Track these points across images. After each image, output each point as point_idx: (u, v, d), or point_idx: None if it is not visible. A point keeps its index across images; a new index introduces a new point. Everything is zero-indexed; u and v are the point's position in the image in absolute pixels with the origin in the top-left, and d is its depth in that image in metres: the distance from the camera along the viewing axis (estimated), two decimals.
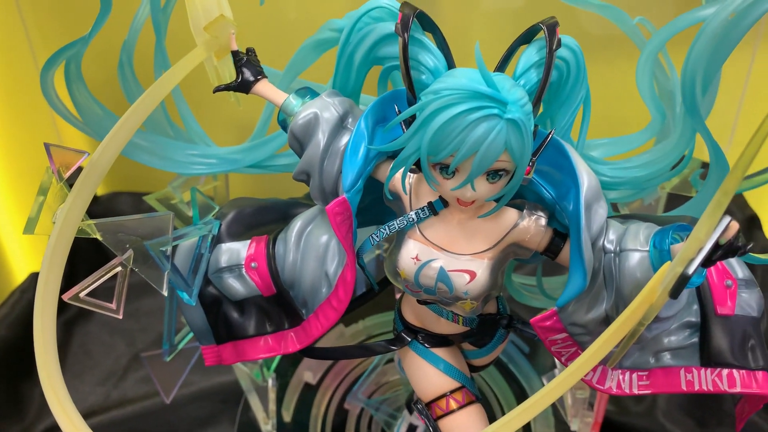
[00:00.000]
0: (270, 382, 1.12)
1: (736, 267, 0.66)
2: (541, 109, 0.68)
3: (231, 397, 1.23)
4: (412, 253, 0.63)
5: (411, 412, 0.78)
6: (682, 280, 0.47)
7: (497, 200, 0.61)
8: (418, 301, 0.70)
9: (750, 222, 1.51)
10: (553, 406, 1.09)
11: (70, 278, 0.79)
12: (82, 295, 0.65)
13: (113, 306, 0.67)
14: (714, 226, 0.47)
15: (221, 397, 1.24)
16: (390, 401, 1.09)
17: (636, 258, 0.57)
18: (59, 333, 1.39)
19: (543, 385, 1.09)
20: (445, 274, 0.62)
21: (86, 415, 1.21)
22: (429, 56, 0.61)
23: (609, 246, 0.59)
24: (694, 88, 0.64)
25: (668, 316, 0.59)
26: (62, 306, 1.40)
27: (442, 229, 0.63)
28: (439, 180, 0.58)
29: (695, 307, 0.65)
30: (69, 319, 1.44)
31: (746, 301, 0.64)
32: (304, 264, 0.70)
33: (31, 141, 1.48)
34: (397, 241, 0.65)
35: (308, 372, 1.14)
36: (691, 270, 0.47)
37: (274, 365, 1.13)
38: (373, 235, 0.65)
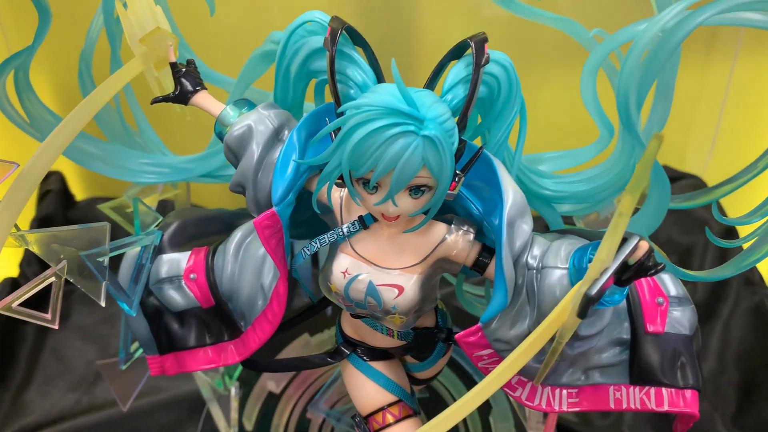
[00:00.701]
0: (233, 390, 1.12)
1: (669, 284, 0.65)
2: (479, 120, 0.67)
3: (200, 405, 1.23)
4: (342, 267, 0.63)
5: None
6: (586, 301, 0.47)
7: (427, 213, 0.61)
8: (352, 315, 0.70)
9: (727, 233, 1.50)
10: (516, 417, 1.09)
11: None
12: (14, 305, 0.65)
13: (48, 317, 0.68)
14: (615, 247, 0.47)
15: (189, 404, 1.24)
16: (352, 411, 1.09)
17: (556, 275, 0.57)
18: (32, 337, 1.40)
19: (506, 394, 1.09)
20: (374, 288, 0.62)
21: (55, 421, 1.23)
22: (357, 71, 0.60)
23: (532, 262, 0.59)
24: (628, 104, 0.63)
25: (590, 334, 0.58)
26: (37, 310, 1.40)
27: (372, 244, 0.63)
28: (363, 195, 0.58)
29: (626, 324, 0.64)
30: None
31: (678, 320, 0.64)
32: (242, 276, 0.70)
33: (13, 147, 1.48)
34: (329, 254, 0.65)
35: (271, 381, 1.13)
36: (593, 291, 0.46)
37: (236, 374, 1.13)
38: (304, 249, 0.65)
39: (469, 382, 1.12)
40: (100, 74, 0.86)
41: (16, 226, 0.64)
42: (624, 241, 0.48)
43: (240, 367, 1.14)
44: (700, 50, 1.56)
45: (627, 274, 0.49)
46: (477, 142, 0.69)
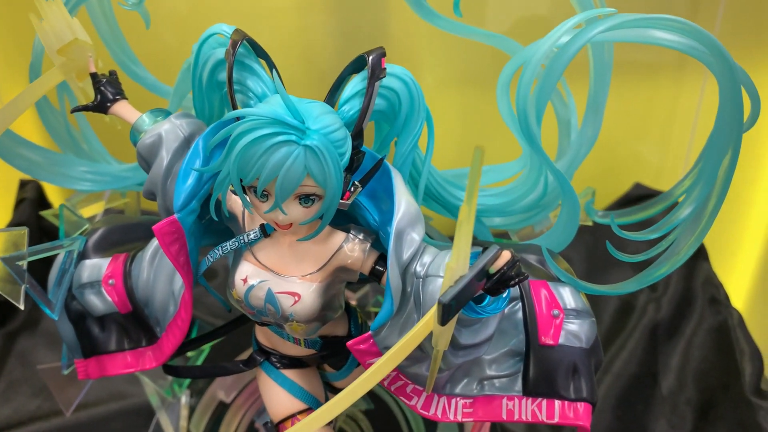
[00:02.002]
0: (183, 398, 1.13)
1: (568, 297, 0.65)
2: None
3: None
4: (242, 274, 0.64)
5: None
6: (441, 308, 0.48)
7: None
8: (257, 323, 0.71)
9: (696, 252, 1.49)
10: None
11: None
12: None
13: None
14: (465, 256, 0.47)
15: (147, 412, 1.25)
16: None
17: (437, 284, 0.57)
18: (0, 342, 1.42)
19: None
20: (273, 295, 0.63)
21: (13, 425, 1.24)
22: (257, 82, 0.62)
23: (420, 270, 0.60)
24: (527, 119, 0.64)
25: (473, 343, 0.59)
26: (5, 317, 1.43)
27: (273, 252, 0.64)
28: (255, 203, 0.59)
29: (522, 336, 0.65)
30: (13, 330, 1.46)
31: (574, 333, 0.64)
32: (156, 283, 0.72)
33: None
34: (233, 262, 0.66)
35: (221, 390, 1.14)
36: (446, 298, 0.47)
37: (186, 382, 1.14)
38: (208, 256, 0.66)
39: None
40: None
41: None
42: (485, 251, 0.49)
43: None
44: (673, 70, 1.57)
45: (489, 283, 0.50)
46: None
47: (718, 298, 1.40)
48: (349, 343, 0.62)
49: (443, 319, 0.48)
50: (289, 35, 1.40)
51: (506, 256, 0.50)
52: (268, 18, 1.38)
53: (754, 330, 1.33)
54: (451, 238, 0.83)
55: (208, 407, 1.14)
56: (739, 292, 1.62)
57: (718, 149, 0.65)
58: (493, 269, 0.50)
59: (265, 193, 0.57)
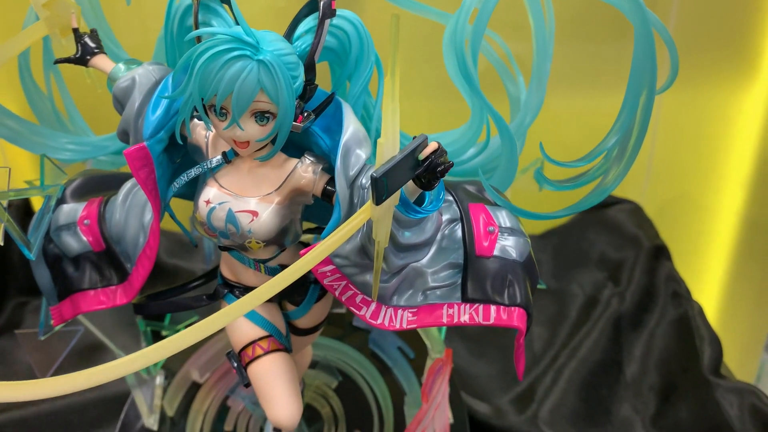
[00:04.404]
0: (158, 379, 1.16)
1: (503, 218, 0.72)
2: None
3: None
4: (205, 197, 0.70)
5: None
6: (375, 183, 0.53)
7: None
8: (220, 248, 0.76)
9: (658, 252, 1.55)
10: None
11: None
12: None
13: None
14: (394, 132, 0.54)
15: (123, 400, 1.28)
16: None
17: None
18: None
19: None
20: (233, 215, 0.69)
21: None
22: (221, 22, 0.69)
23: (365, 182, 0.66)
24: (464, 60, 0.71)
25: (412, 243, 0.64)
26: None
27: (235, 176, 0.71)
28: (215, 122, 0.65)
29: (461, 251, 0.70)
30: None
31: (508, 246, 0.70)
32: (128, 220, 0.78)
33: None
34: (198, 189, 0.72)
35: (195, 370, 1.17)
36: (378, 173, 0.52)
37: (161, 362, 1.18)
38: (174, 183, 0.72)
39: (385, 371, 1.17)
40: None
41: None
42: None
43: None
44: None
45: (420, 168, 0.56)
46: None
47: (679, 292, 1.46)
48: (301, 251, 0.67)
49: (377, 198, 0.54)
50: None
51: (434, 144, 0.56)
52: (253, 19, 1.46)
53: (716, 325, 1.37)
54: None
55: (182, 386, 1.17)
56: (701, 290, 1.67)
57: (636, 86, 0.72)
58: (421, 156, 0.56)
59: (223, 111, 0.64)
